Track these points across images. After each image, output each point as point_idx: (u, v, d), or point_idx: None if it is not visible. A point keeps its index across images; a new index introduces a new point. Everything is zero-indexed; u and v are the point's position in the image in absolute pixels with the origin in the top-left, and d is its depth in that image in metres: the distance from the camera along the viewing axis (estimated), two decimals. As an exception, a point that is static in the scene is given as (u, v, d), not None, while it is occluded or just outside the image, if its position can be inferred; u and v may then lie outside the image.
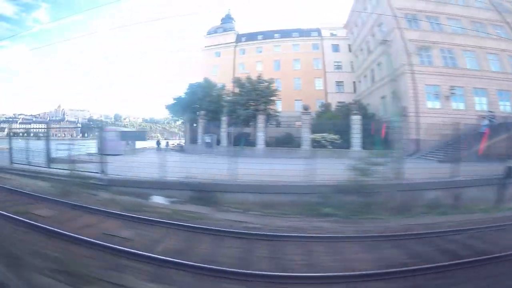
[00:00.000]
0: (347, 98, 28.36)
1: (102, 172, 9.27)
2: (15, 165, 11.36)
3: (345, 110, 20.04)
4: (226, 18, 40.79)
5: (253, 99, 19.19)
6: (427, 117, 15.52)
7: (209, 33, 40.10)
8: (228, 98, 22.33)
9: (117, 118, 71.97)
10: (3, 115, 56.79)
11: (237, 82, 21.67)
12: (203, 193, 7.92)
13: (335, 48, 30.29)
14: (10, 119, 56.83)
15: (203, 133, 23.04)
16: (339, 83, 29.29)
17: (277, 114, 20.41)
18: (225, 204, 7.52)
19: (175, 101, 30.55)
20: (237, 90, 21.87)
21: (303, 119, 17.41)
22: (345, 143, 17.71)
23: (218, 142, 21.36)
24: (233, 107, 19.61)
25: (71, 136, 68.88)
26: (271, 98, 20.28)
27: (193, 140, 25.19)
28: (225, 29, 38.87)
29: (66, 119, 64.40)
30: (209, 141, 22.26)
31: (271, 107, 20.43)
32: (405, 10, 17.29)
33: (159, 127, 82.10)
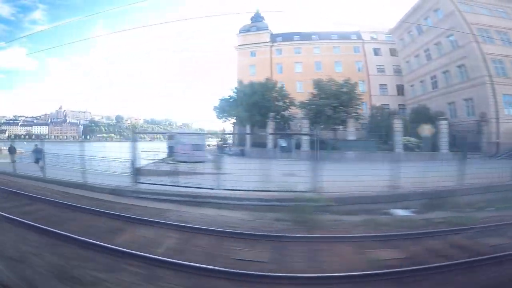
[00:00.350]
0: (391, 101, 30.27)
1: (314, 190, 7.94)
2: (143, 186, 9.06)
3: (416, 115, 21.64)
4: (256, 17, 40.36)
5: (341, 102, 19.80)
6: (505, 123, 17.64)
7: (241, 31, 39.46)
8: (306, 100, 22.72)
9: (118, 119, 68.51)
10: (3, 117, 51.41)
11: (318, 84, 22.08)
12: (435, 200, 7.71)
13: (376, 51, 31.82)
14: (11, 121, 51.81)
15: (277, 137, 23.11)
16: (382, 86, 30.98)
17: (362, 117, 21.26)
18: (464, 208, 7.53)
19: (223, 101, 30.27)
20: (316, 91, 22.15)
21: (395, 123, 18.66)
22: (427, 146, 19.30)
23: (298, 146, 21.61)
24: (318, 110, 20.04)
25: (73, 138, 64.55)
26: (357, 101, 21.05)
27: (256, 143, 25.20)
28: (258, 28, 38.56)
29: (67, 121, 59.97)
30: (285, 145, 22.42)
31: (357, 110, 21.16)
32: (477, 25, 19.07)
33: (160, 128, 79.31)
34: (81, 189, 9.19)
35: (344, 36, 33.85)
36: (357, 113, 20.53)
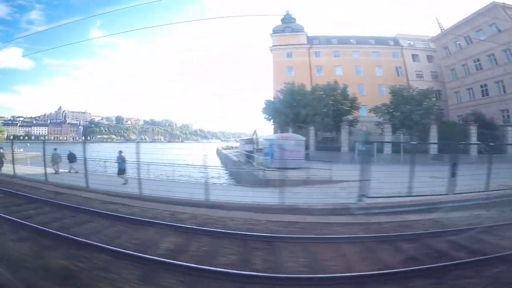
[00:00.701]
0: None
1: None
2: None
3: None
4: (287, 18, 40.24)
5: (426, 108, 20.92)
6: None
7: (275, 31, 39.11)
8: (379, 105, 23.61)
9: (118, 120, 64.22)
10: (1, 117, 44.69)
11: (395, 90, 23.00)
12: None
13: (414, 58, 33.91)
14: (9, 122, 45.29)
15: (354, 140, 23.59)
16: (421, 91, 33.10)
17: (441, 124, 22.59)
18: None
19: (272, 103, 29.97)
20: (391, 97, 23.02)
21: (471, 129, 20.37)
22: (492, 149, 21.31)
23: (381, 150, 22.27)
24: (405, 116, 20.94)
25: (73, 139, 58.13)
26: (434, 109, 22.32)
27: (319, 147, 25.46)
28: (293, 29, 38.53)
29: (67, 122, 54.28)
30: (364, 148, 23.04)
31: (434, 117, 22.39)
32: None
33: (161, 129, 76.10)
34: (285, 214, 7.62)
35: (381, 41, 35.42)
36: (436, 119, 21.92)
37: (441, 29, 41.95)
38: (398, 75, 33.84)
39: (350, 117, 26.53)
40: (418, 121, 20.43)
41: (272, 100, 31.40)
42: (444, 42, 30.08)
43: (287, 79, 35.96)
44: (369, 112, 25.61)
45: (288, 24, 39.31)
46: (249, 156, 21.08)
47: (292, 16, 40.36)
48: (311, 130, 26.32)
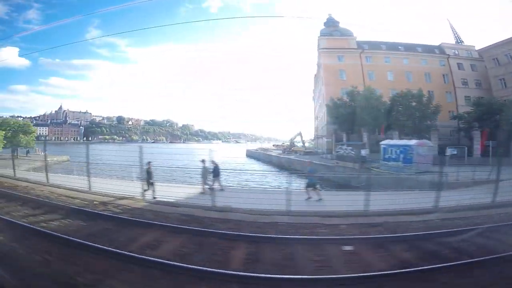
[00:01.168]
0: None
1: None
2: None
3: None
4: (330, 20, 39.72)
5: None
6: None
7: (323, 34, 38.24)
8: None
9: (119, 120, 57.25)
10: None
11: (479, 102, 23.88)
12: None
13: (459, 66, 35.95)
14: None
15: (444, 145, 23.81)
16: (466, 98, 35.20)
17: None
18: None
19: (340, 107, 28.97)
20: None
21: None
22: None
23: (470, 154, 22.87)
24: (496, 124, 21.65)
25: (74, 139, 49.02)
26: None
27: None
28: (342, 33, 38.05)
29: (68, 122, 45.83)
30: (455, 152, 23.52)
31: None
32: None
33: (162, 129, 70.27)
34: None
35: (427, 49, 36.92)
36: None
37: (456, 38, 45.78)
38: (444, 82, 35.54)
39: (434, 122, 26.74)
40: (509, 129, 21.32)
41: (338, 103, 30.26)
42: (493, 54, 32.33)
43: (340, 82, 35.42)
44: (451, 119, 26.16)
45: (335, 28, 38.75)
46: (363, 161, 20.76)
47: (336, 19, 40.07)
48: (395, 134, 25.91)
